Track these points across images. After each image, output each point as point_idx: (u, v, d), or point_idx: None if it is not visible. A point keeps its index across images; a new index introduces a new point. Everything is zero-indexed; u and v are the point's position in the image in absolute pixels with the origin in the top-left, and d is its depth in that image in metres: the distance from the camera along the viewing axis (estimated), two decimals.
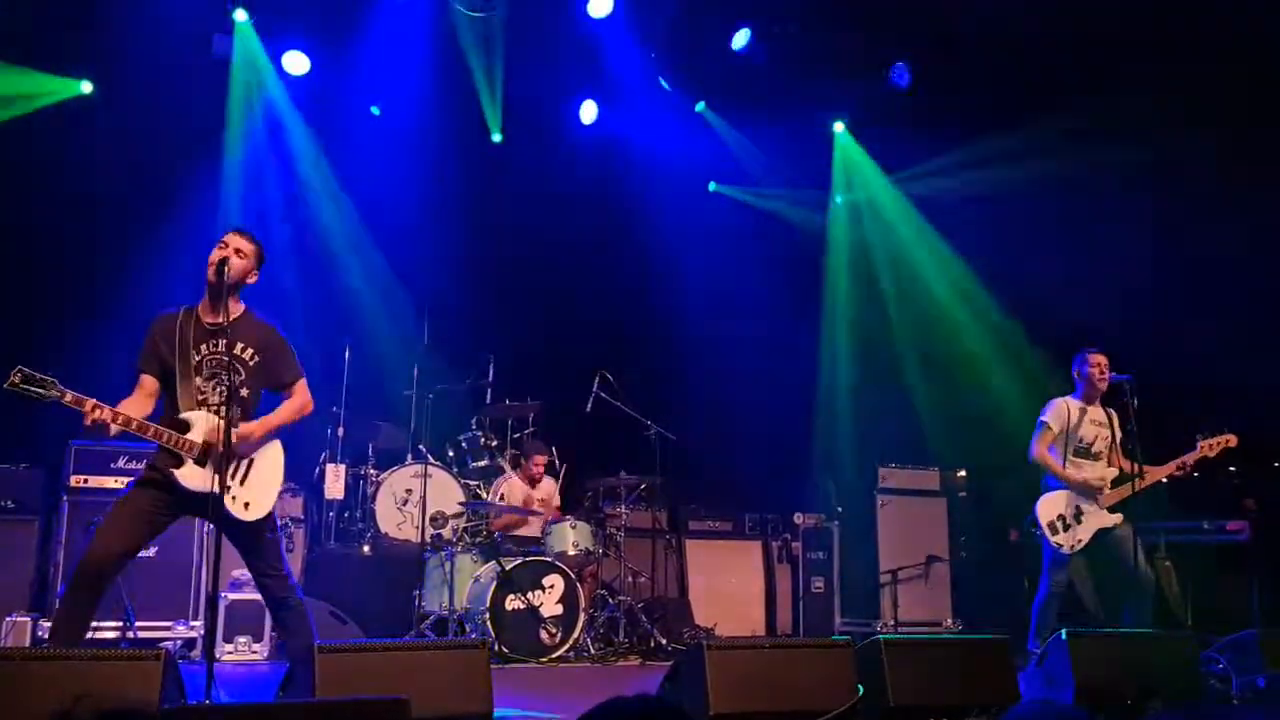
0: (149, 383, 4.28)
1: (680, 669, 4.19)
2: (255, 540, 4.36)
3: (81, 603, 4.13)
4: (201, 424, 4.23)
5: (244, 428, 4.28)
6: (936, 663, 4.38)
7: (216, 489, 4.08)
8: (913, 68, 8.87)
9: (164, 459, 4.23)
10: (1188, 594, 6.97)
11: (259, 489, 4.35)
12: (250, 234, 4.46)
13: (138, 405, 4.21)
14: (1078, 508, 5.99)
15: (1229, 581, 6.93)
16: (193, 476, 4.18)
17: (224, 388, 4.18)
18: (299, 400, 4.53)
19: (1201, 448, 5.95)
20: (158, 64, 7.91)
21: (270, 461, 4.42)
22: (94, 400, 4.03)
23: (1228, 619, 6.66)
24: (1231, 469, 7.34)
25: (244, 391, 4.31)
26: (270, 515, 4.40)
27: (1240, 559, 6.97)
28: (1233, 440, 5.96)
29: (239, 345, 4.36)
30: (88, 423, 4.02)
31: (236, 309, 4.42)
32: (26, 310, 7.51)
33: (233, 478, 4.28)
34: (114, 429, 4.07)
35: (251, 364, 4.38)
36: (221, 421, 4.09)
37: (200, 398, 4.26)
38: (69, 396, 3.99)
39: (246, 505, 4.30)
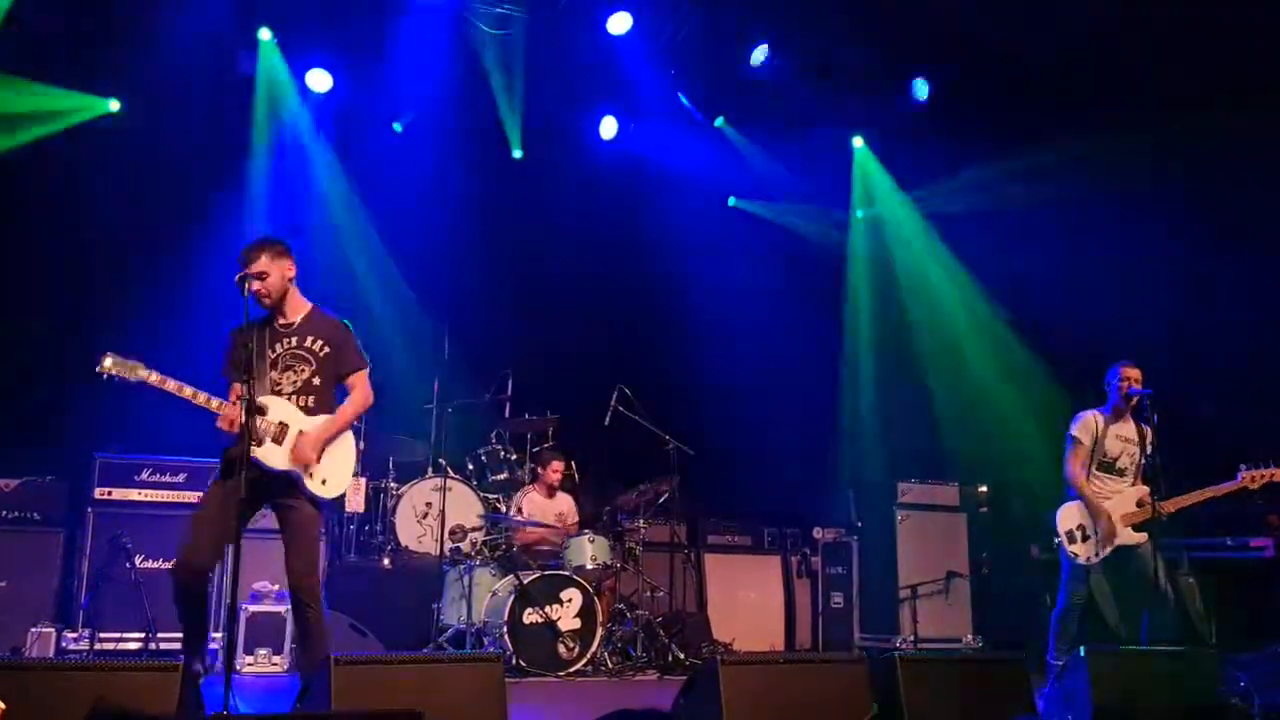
0: (238, 389, 4.48)
1: (695, 684, 4.19)
2: (300, 536, 4.54)
3: (189, 610, 4.44)
4: (278, 408, 4.53)
5: (319, 432, 4.58)
6: (952, 680, 4.35)
7: (284, 465, 4.48)
8: (931, 83, 8.87)
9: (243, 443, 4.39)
10: (1211, 611, 6.89)
11: (334, 469, 4.65)
12: (252, 246, 4.62)
13: (235, 409, 4.39)
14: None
15: (1253, 598, 6.85)
16: (271, 455, 4.48)
17: (296, 378, 4.56)
18: (360, 394, 4.82)
19: (1243, 479, 5.73)
20: (184, 82, 8.03)
21: (343, 445, 4.73)
22: (178, 381, 4.34)
23: (1251, 636, 6.59)
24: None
25: (316, 380, 4.67)
26: (323, 517, 4.76)
27: (1264, 575, 6.89)
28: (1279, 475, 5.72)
29: (310, 338, 4.68)
30: (208, 401, 4.34)
31: (304, 307, 4.76)
32: (55, 324, 7.62)
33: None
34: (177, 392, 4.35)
35: (322, 355, 4.70)
36: (295, 408, 4.54)
37: (275, 388, 4.57)
38: (154, 377, 4.30)
39: (324, 482, 4.61)
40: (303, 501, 4.55)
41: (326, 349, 4.70)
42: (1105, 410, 6.10)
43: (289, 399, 4.59)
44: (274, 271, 4.61)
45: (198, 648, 4.49)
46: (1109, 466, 6.04)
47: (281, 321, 4.68)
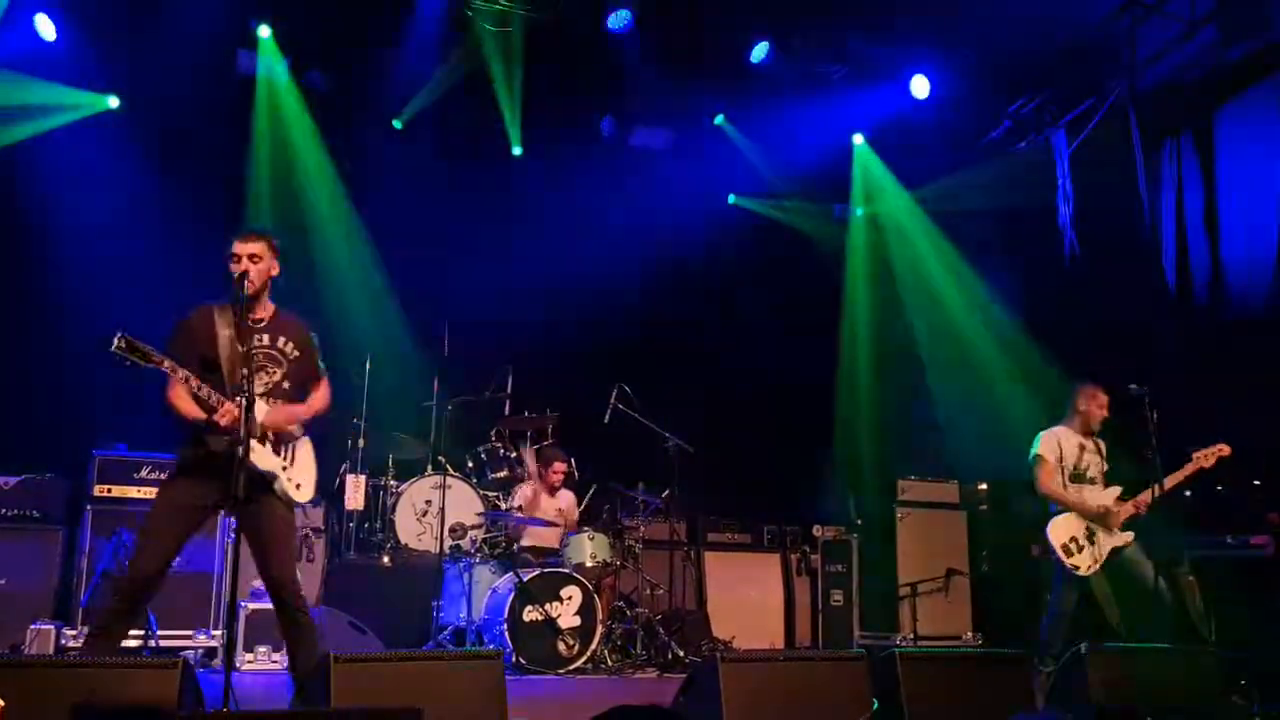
0: (189, 376, 4.34)
1: (695, 681, 4.19)
2: (282, 543, 4.46)
3: (125, 611, 4.29)
4: (256, 408, 4.34)
5: (291, 408, 4.55)
6: (953, 677, 4.36)
7: (268, 466, 4.40)
8: (931, 79, 8.87)
9: (218, 444, 4.32)
10: (1210, 609, 6.88)
11: (305, 472, 4.60)
12: (255, 232, 4.56)
13: (236, 406, 4.21)
14: (1089, 528, 6.04)
15: (1252, 597, 6.84)
16: (255, 455, 4.33)
17: (268, 379, 4.44)
18: (324, 395, 4.75)
19: (1196, 459, 6.02)
20: (183, 79, 8.02)
21: (306, 449, 4.68)
22: (186, 371, 4.25)
23: (1251, 634, 6.58)
24: (1256, 482, 7.25)
25: (286, 384, 4.56)
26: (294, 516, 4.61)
27: (1264, 573, 6.88)
28: (1225, 449, 6.03)
29: (281, 339, 4.56)
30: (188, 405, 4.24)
31: (271, 307, 4.61)
32: (54, 322, 7.62)
33: (285, 459, 4.53)
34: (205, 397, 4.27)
35: (293, 358, 4.58)
36: (269, 408, 4.41)
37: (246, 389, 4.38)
38: (167, 364, 4.20)
39: (299, 486, 4.55)
40: (276, 503, 4.44)
41: (297, 353, 4.59)
42: (1068, 425, 6.27)
43: (260, 400, 4.43)
44: (265, 259, 4.49)
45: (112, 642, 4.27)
46: (1081, 477, 6.20)
47: (251, 317, 4.52)
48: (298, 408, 4.61)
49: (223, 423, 4.24)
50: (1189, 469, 6.02)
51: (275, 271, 4.58)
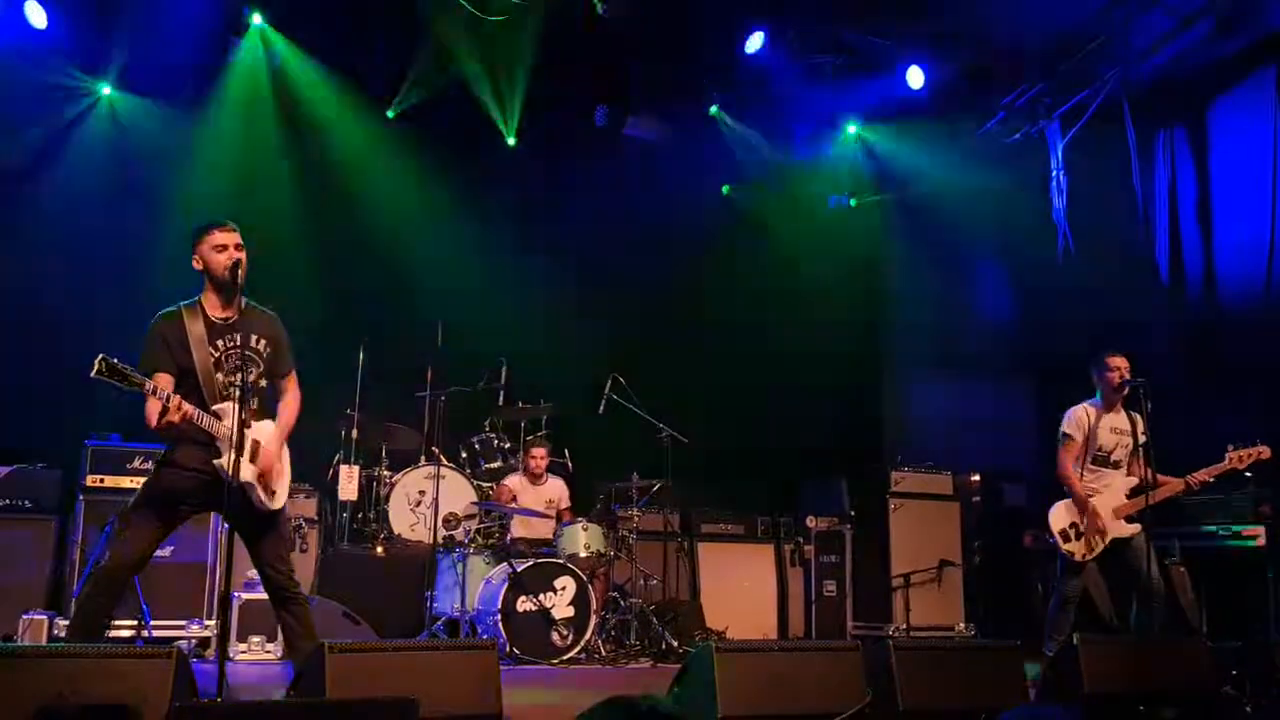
0: (165, 380, 4.26)
1: (689, 671, 4.19)
2: (273, 532, 4.45)
3: (103, 607, 4.25)
4: (232, 414, 4.27)
5: (274, 446, 4.45)
6: (947, 667, 4.37)
7: (247, 478, 4.26)
8: (926, 70, 8.87)
9: (196, 453, 4.29)
10: (1202, 600, 6.91)
11: (280, 478, 4.52)
12: (234, 223, 4.48)
13: (158, 404, 4.17)
14: None
15: (1244, 587, 6.87)
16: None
17: (244, 380, 4.27)
18: (297, 397, 4.66)
19: (1231, 459, 5.78)
20: (176, 65, 7.99)
21: (283, 454, 4.60)
22: (172, 394, 4.13)
23: (1242, 625, 6.62)
24: (1248, 474, 7.28)
25: (262, 382, 4.49)
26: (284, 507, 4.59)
27: (1256, 565, 6.90)
28: (1266, 452, 5.78)
29: (253, 337, 4.47)
30: (170, 419, 4.10)
31: (240, 303, 4.49)
32: (44, 309, 7.59)
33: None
34: (182, 420, 4.15)
35: (266, 354, 4.50)
36: (246, 414, 4.20)
37: (224, 392, 4.33)
38: (149, 385, 4.08)
39: (273, 494, 4.47)
40: (252, 507, 4.40)
41: (269, 348, 4.51)
42: (1096, 403, 6.06)
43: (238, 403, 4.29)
44: (244, 251, 4.42)
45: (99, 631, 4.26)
46: (1104, 460, 6.02)
47: (219, 315, 4.41)
48: (280, 438, 4.51)
49: (165, 419, 4.12)
50: (1222, 467, 5.78)
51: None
